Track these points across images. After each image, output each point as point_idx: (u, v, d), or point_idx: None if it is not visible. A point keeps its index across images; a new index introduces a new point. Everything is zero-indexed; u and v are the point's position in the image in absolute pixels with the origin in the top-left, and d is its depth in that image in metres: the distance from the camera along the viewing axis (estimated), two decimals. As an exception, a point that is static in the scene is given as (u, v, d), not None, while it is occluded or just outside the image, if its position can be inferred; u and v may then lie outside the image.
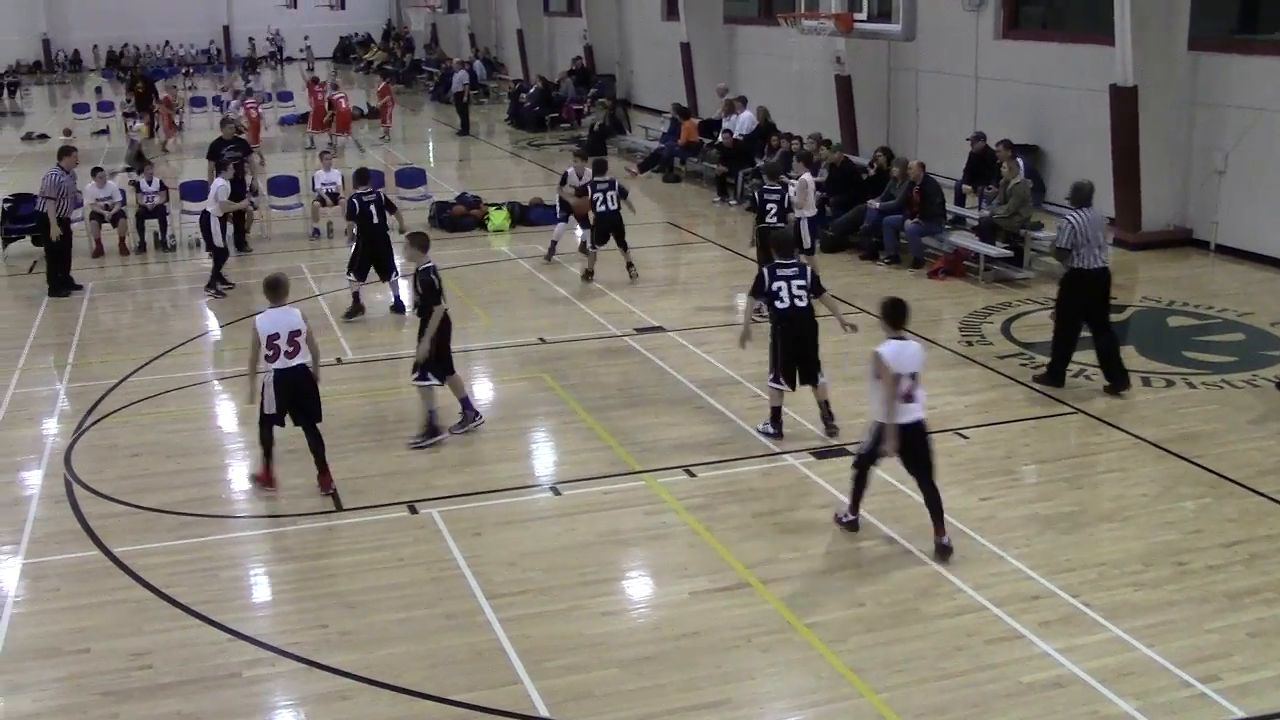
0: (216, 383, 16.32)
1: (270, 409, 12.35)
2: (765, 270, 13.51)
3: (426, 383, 13.73)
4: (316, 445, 12.53)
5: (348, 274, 19.09)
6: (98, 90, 54.71)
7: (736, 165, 27.63)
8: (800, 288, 13.33)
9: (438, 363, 13.73)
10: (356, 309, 18.97)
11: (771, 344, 13.58)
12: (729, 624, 9.92)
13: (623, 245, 20.86)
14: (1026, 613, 9.94)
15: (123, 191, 24.21)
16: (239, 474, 13.35)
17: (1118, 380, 14.93)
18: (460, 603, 10.30)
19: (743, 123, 29.51)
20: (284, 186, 26.08)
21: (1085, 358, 15.61)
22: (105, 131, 43.22)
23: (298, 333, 12.22)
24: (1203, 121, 21.81)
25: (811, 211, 19.34)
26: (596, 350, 16.99)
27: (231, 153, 23.24)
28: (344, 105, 36.89)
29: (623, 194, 20.92)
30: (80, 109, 47.87)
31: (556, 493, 12.50)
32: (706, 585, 10.51)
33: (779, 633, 9.79)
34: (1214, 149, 21.60)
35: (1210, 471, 12.67)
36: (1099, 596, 10.19)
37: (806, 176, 19.58)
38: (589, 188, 20.90)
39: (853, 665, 9.29)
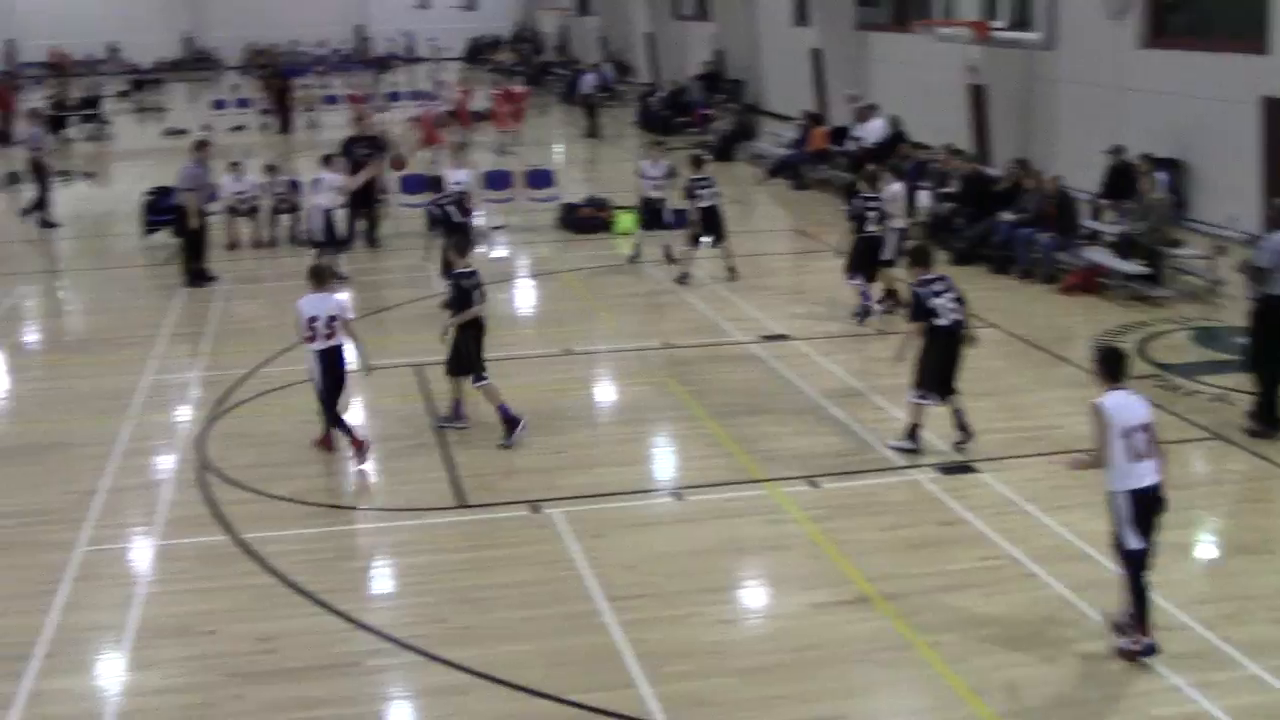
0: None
1: (319, 386, 13.35)
2: (918, 292, 13.21)
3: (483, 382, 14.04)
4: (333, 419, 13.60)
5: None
6: (234, 87, 55.65)
7: (866, 173, 27.37)
8: (954, 300, 13.11)
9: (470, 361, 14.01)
10: None
11: (922, 359, 13.26)
12: (849, 638, 9.80)
13: (721, 244, 20.89)
14: (1160, 644, 9.66)
15: (258, 186, 24.57)
16: (366, 467, 13.48)
17: (1270, 424, 14.03)
18: (579, 604, 10.30)
19: (873, 131, 29.24)
20: (414, 184, 26.28)
21: (1229, 381, 15.23)
22: (242, 127, 43.97)
23: (334, 318, 13.21)
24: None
25: (902, 223, 19.23)
26: (721, 356, 16.91)
27: (363, 151, 23.54)
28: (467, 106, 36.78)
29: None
30: (218, 105, 48.97)
31: (678, 498, 12.46)
32: (827, 598, 10.39)
33: (899, 649, 9.66)
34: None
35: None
36: (1236, 631, 9.83)
37: (897, 186, 19.48)
38: (689, 186, 20.86)
39: (973, 687, 9.12)
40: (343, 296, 13.48)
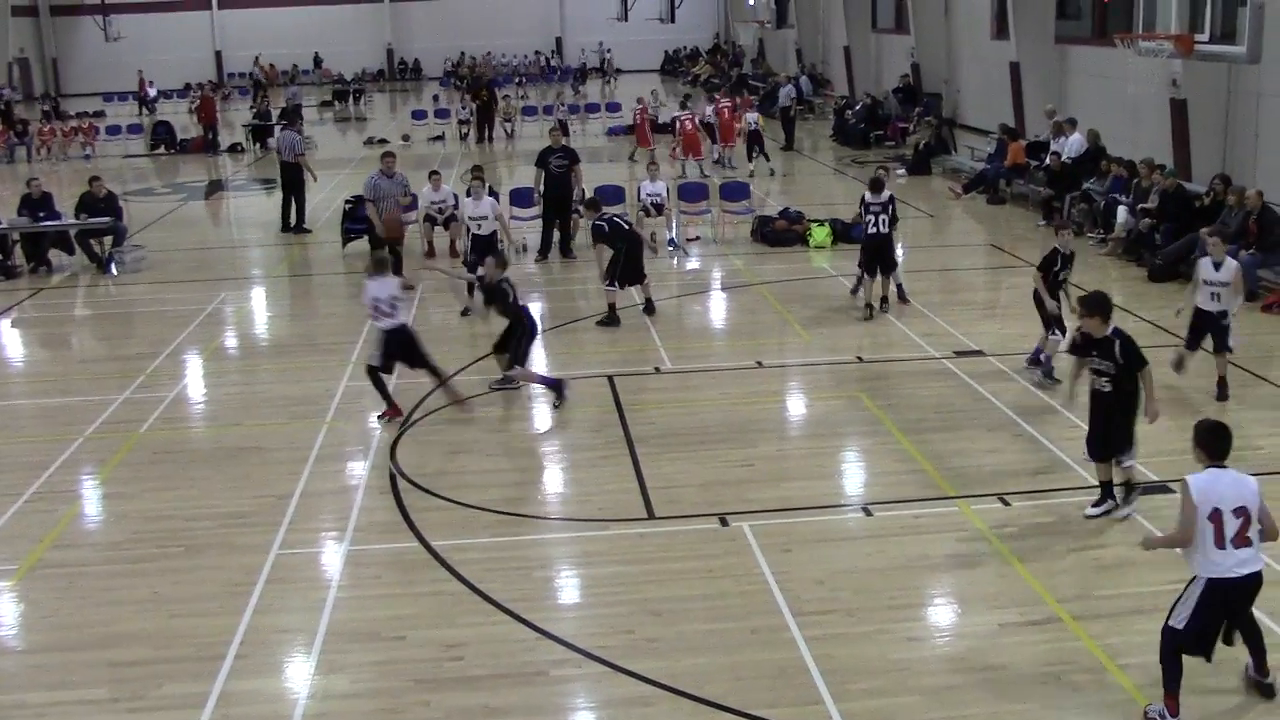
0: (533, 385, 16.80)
1: (375, 362, 15.20)
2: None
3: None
4: (433, 375, 15.64)
5: (608, 283, 19.49)
6: (434, 98, 56.82)
7: (1064, 189, 27.01)
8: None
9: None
10: (612, 318, 19.43)
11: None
12: (1038, 658, 9.74)
13: (889, 272, 19.95)
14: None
15: (455, 196, 24.99)
16: (554, 477, 13.79)
17: None
18: (767, 618, 10.38)
19: (1072, 145, 28.83)
20: (606, 196, 26.57)
21: None
22: (441, 138, 44.92)
23: (396, 298, 15.08)
24: None
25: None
26: (914, 371, 16.87)
27: (559, 161, 23.94)
28: (689, 127, 35.66)
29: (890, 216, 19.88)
30: (418, 115, 50.07)
31: (868, 513, 12.45)
32: (1016, 618, 10.34)
33: (1090, 671, 9.57)
34: None
35: None
36: None
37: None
38: (860, 209, 20.11)
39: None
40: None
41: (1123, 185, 24.97)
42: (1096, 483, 12.44)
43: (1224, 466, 8.96)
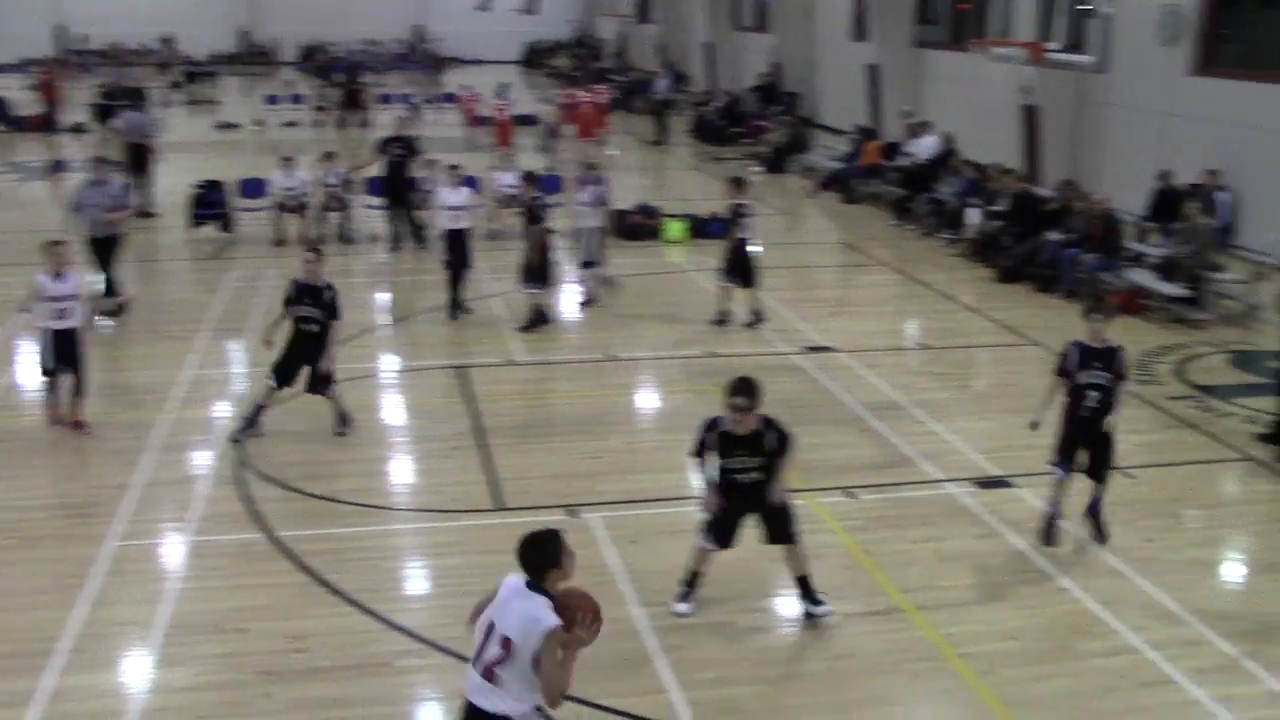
0: (384, 375, 16.71)
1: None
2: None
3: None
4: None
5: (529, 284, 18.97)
6: (289, 84, 56.07)
7: (916, 189, 27.47)
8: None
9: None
10: (538, 319, 18.89)
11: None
12: (881, 648, 9.95)
13: (750, 282, 19.03)
14: (1182, 658, 9.82)
15: (309, 182, 24.63)
16: (405, 467, 13.72)
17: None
18: (614, 609, 10.36)
19: (925, 147, 29.33)
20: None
21: (1262, 403, 15.35)
22: (294, 123, 44.32)
23: (74, 297, 14.20)
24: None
25: (595, 222, 19.99)
26: (765, 366, 16.98)
27: (397, 150, 23.90)
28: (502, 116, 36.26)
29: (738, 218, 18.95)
30: (271, 100, 49.30)
31: (715, 506, 12.57)
32: (861, 608, 10.54)
33: (930, 660, 9.80)
34: None
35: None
36: (1260, 649, 10.00)
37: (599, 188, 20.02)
38: (731, 212, 19.17)
39: (1002, 698, 9.27)
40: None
41: (974, 187, 25.45)
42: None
43: None
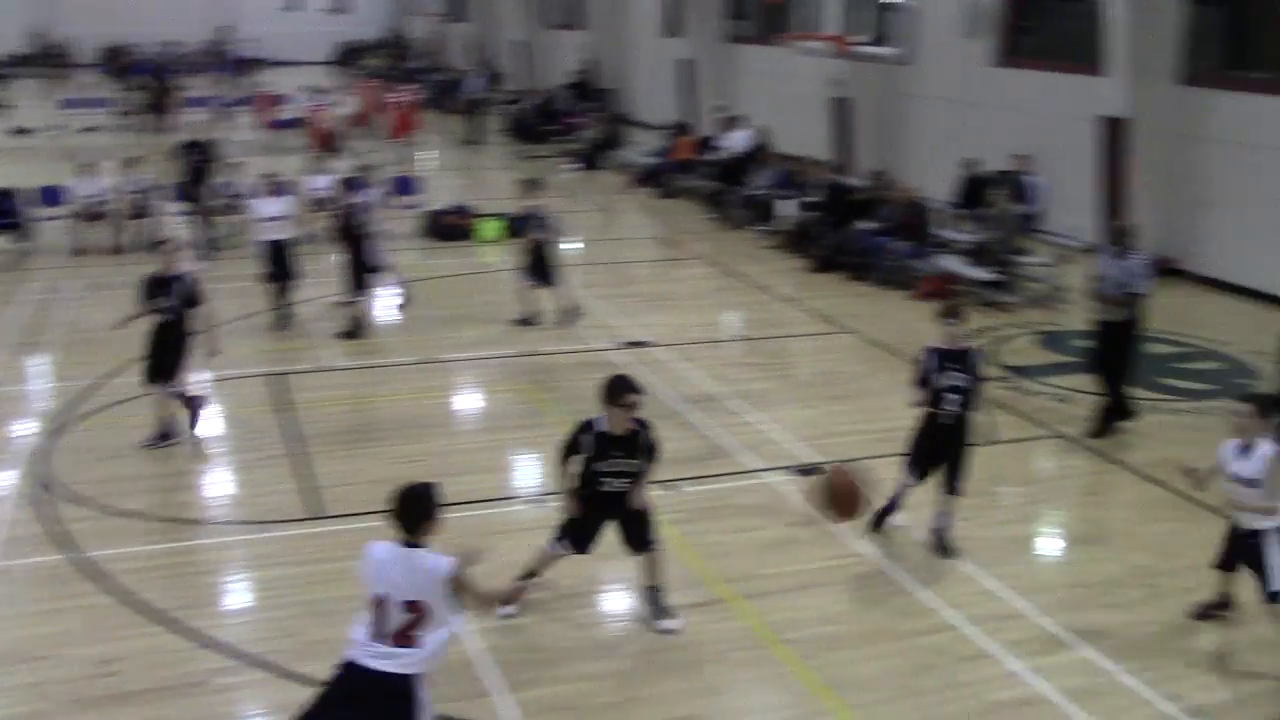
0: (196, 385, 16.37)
1: None
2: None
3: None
4: None
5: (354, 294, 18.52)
6: (88, 87, 54.51)
7: (730, 183, 27.71)
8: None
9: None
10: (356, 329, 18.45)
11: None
12: (705, 639, 10.00)
13: (550, 282, 18.97)
14: (999, 632, 10.07)
15: (111, 189, 23.88)
16: (218, 479, 13.44)
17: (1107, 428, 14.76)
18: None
19: (738, 141, 29.59)
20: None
21: (1070, 382, 15.80)
22: (94, 128, 43.02)
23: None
24: (1190, 154, 21.97)
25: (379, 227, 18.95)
26: (583, 363, 17.04)
27: (197, 156, 23.51)
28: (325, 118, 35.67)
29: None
30: (69, 104, 47.79)
31: (538, 504, 12.52)
32: (684, 600, 10.54)
33: (754, 648, 9.88)
34: (1200, 181, 21.79)
35: (1184, 496, 12.77)
36: (1070, 617, 10.32)
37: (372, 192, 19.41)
38: (527, 214, 19.18)
39: (827, 682, 9.39)
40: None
41: (786, 180, 25.75)
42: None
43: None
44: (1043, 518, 12.54)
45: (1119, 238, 14.58)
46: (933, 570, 11.07)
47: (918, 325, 18.86)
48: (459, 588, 7.10)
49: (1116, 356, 14.47)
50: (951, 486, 11.45)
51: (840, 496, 9.65)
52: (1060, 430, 14.68)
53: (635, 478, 9.95)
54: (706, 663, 9.68)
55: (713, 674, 9.54)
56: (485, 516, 12.19)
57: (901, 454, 11.74)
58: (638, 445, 9.87)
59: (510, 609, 10.27)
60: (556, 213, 19.44)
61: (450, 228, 25.21)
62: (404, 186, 27.59)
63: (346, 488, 12.87)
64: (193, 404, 14.24)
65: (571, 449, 9.94)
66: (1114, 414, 14.63)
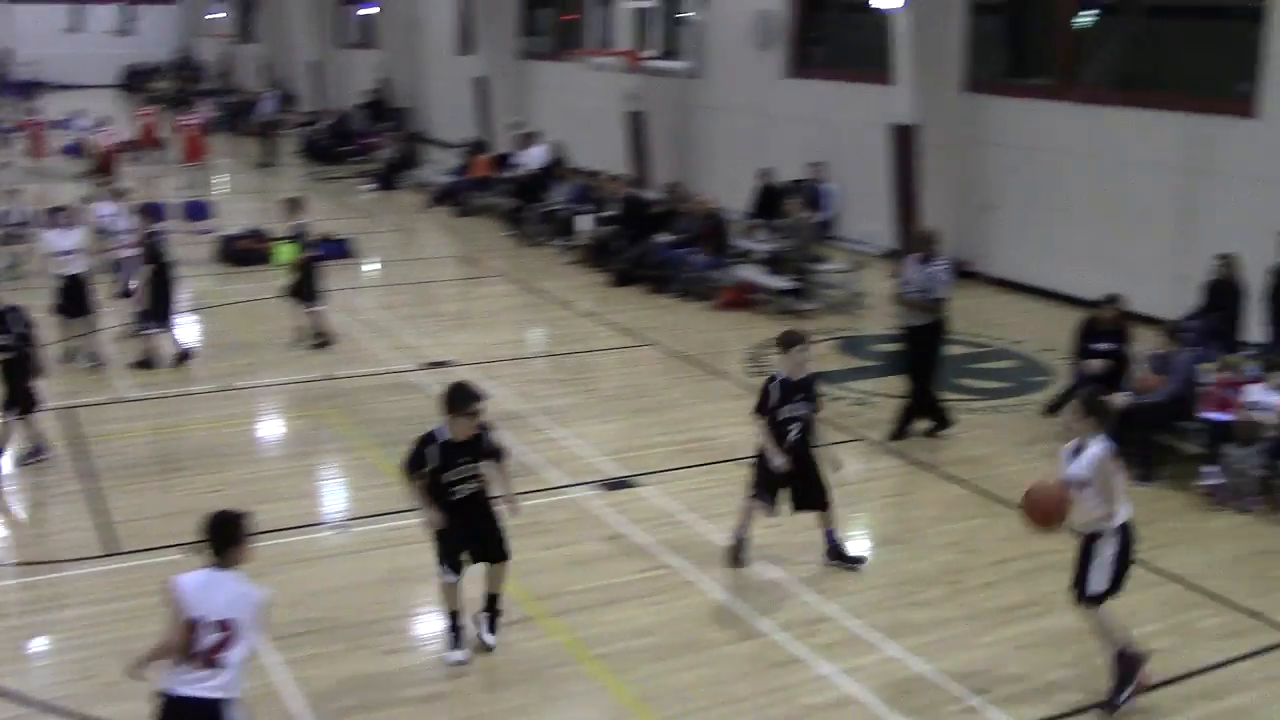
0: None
1: None
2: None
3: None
4: None
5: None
6: None
7: (528, 199, 27.68)
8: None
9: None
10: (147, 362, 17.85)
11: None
12: (517, 658, 9.92)
13: (309, 305, 18.84)
14: (810, 636, 10.17)
15: None
16: (5, 519, 12.95)
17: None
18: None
19: (534, 157, 29.64)
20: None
21: (870, 385, 16.10)
22: None
23: None
24: (976, 158, 22.58)
25: (130, 252, 18.82)
26: (383, 386, 16.85)
27: None
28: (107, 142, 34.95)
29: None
30: None
31: (343, 530, 12.35)
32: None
33: (566, 665, 9.83)
34: (985, 184, 22.40)
35: (983, 493, 13.08)
36: (879, 617, 10.48)
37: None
38: (292, 233, 19.08)
39: (641, 695, 9.37)
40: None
41: (584, 194, 25.82)
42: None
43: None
44: (847, 520, 12.67)
45: (921, 243, 14.86)
46: (741, 579, 11.16)
47: (719, 336, 19.16)
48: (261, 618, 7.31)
49: (923, 360, 14.77)
50: (815, 504, 11.42)
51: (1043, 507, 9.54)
52: (862, 434, 14.92)
53: (480, 485, 9.92)
54: (518, 682, 9.59)
55: (525, 692, 9.46)
56: (289, 545, 11.94)
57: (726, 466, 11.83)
58: (481, 448, 9.84)
59: (458, 655, 9.99)
60: (318, 230, 19.59)
61: (245, 252, 24.70)
62: (197, 211, 27.00)
63: (143, 521, 12.49)
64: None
65: (416, 463, 9.81)
66: (917, 416, 14.94)
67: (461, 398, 9.69)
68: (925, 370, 14.84)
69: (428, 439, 9.75)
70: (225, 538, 7.35)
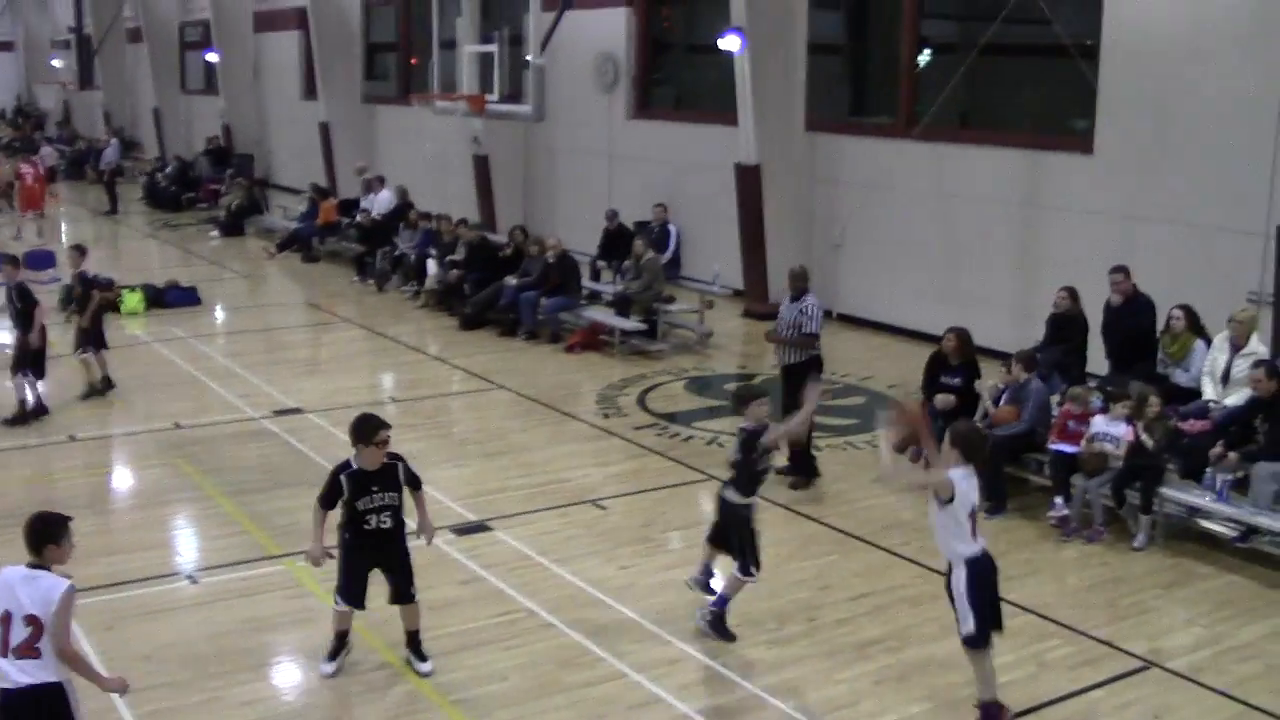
0: None
1: None
2: None
3: None
4: None
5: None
6: None
7: (375, 244, 27.59)
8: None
9: None
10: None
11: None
12: (379, 705, 9.88)
13: (101, 346, 18.54)
14: (667, 677, 10.22)
15: None
16: None
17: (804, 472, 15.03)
18: (90, 702, 9.87)
19: (381, 202, 29.56)
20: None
21: (721, 424, 16.29)
22: None
23: None
24: (822, 197, 23.02)
25: None
26: (234, 434, 16.66)
27: None
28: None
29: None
30: None
31: (194, 581, 12.17)
32: (351, 670, 10.38)
33: (425, 711, 9.79)
34: (832, 222, 22.81)
35: (837, 530, 13.28)
36: (734, 656, 10.57)
37: None
38: (79, 281, 18.67)
39: (499, 739, 9.37)
40: None
41: (431, 239, 25.79)
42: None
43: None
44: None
45: (794, 281, 15.04)
46: (597, 620, 11.19)
47: (570, 378, 19.24)
48: (65, 607, 7.76)
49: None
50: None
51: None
52: (712, 473, 15.01)
53: (395, 520, 10.07)
54: (378, 730, 9.56)
55: (385, 741, 9.43)
56: (138, 597, 11.76)
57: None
58: (396, 477, 10.05)
59: (329, 667, 10.30)
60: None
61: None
62: (40, 260, 26.47)
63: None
64: None
65: (332, 494, 10.01)
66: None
67: (368, 426, 9.92)
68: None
69: (341, 468, 9.99)
70: (40, 536, 7.93)
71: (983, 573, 9.26)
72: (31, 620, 7.62)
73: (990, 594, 9.33)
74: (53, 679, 7.72)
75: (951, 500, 9.05)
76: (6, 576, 7.81)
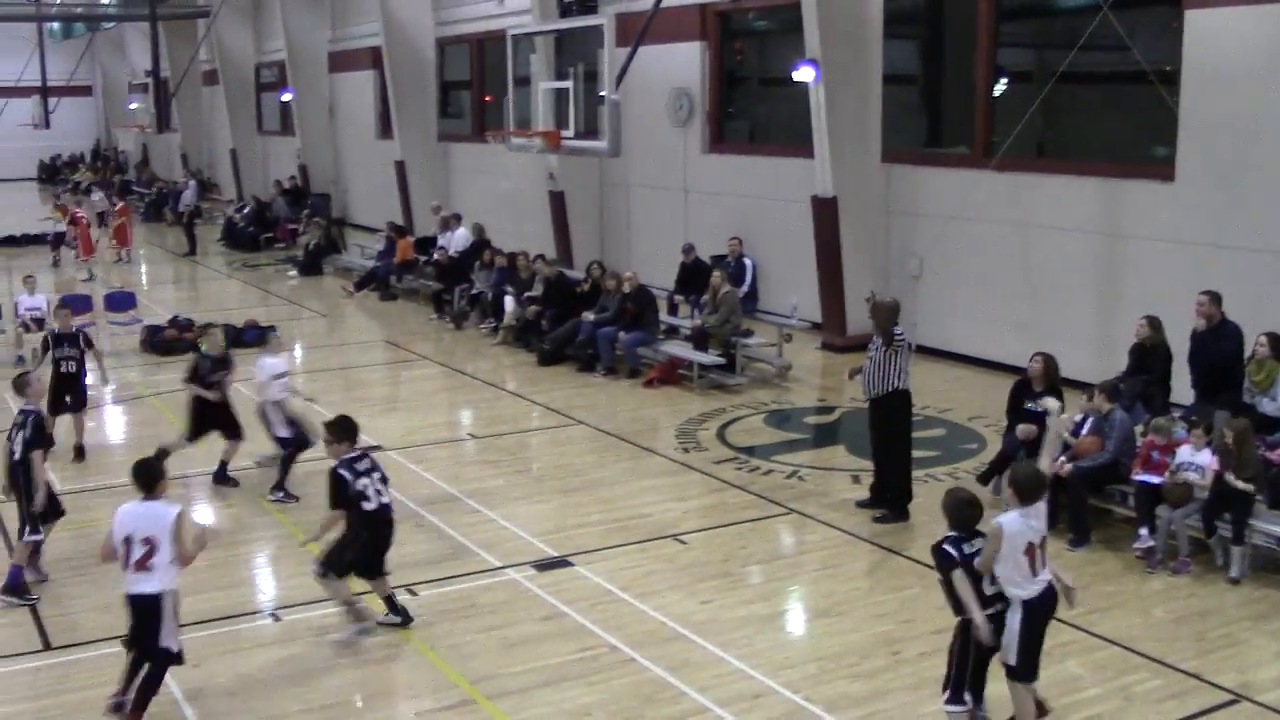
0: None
1: None
2: (340, 473, 11.98)
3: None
4: None
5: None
6: None
7: (452, 282, 27.72)
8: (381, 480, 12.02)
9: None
10: None
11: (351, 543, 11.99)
12: (456, 743, 9.86)
13: (80, 406, 18.04)
14: (750, 712, 10.12)
15: None
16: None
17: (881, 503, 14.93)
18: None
19: (458, 240, 29.70)
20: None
21: (801, 458, 16.17)
22: None
23: None
24: (898, 229, 22.90)
25: None
26: (312, 471, 16.63)
27: None
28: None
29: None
30: None
31: (276, 619, 12.22)
32: (432, 704, 10.40)
33: (507, 747, 9.77)
34: (909, 254, 22.67)
35: (918, 562, 13.13)
36: (819, 690, 10.45)
37: None
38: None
39: (581, 776, 9.32)
40: None
41: (507, 275, 25.86)
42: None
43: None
44: (782, 594, 12.74)
45: (881, 314, 14.75)
46: (680, 655, 11.11)
47: (647, 412, 19.19)
48: (185, 525, 9.91)
49: (890, 433, 14.74)
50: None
51: None
52: (793, 506, 14.97)
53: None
54: (460, 767, 9.53)
55: (467, 778, 9.40)
56: (225, 634, 11.79)
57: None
58: (374, 463, 12.08)
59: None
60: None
61: (171, 342, 24.53)
62: (120, 302, 26.79)
63: (74, 616, 12.31)
64: None
65: (342, 489, 11.78)
66: (889, 489, 14.80)
67: (346, 426, 12.18)
68: (895, 441, 14.73)
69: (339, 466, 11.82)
70: (149, 476, 10.09)
71: (1035, 617, 9.16)
72: (148, 541, 9.63)
73: (1038, 640, 9.24)
74: (154, 591, 9.67)
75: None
76: (125, 510, 9.89)
